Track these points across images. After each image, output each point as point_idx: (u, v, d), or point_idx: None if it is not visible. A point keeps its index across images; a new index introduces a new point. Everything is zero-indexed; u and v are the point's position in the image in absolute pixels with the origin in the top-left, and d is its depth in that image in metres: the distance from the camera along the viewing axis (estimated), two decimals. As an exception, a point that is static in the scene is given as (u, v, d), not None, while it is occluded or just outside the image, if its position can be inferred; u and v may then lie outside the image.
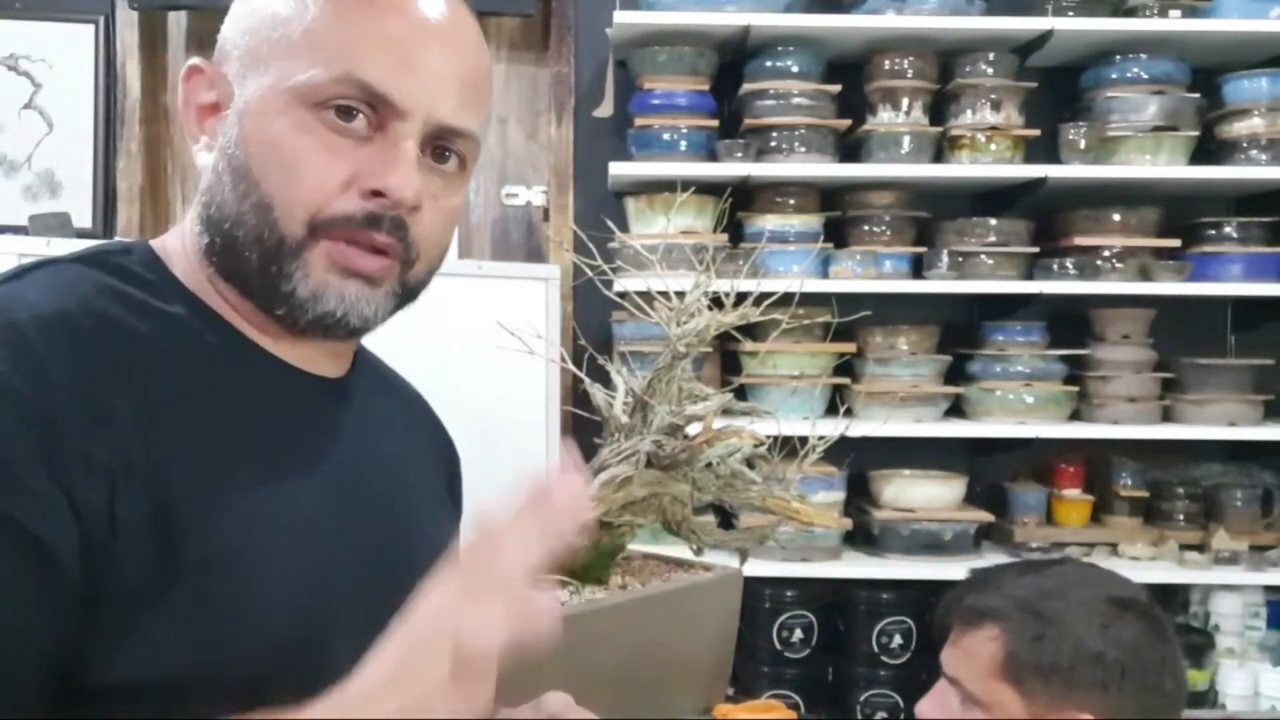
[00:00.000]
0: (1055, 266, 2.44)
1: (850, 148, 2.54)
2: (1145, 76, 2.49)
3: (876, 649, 2.39)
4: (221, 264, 0.78)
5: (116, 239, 0.84)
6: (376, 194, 0.75)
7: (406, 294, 0.81)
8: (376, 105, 0.75)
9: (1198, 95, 2.50)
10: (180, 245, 0.81)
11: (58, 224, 2.21)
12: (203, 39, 2.71)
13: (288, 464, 0.77)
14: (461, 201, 0.84)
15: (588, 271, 1.64)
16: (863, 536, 2.51)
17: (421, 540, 0.87)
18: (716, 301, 1.63)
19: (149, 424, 0.69)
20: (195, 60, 0.80)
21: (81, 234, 2.29)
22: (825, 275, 2.43)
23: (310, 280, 0.75)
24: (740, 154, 2.41)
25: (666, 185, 2.42)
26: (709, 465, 1.60)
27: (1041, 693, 1.14)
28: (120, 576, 0.65)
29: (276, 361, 0.80)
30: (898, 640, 2.40)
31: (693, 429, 1.62)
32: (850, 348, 2.48)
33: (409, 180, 0.75)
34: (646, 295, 1.64)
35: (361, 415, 0.86)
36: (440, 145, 0.79)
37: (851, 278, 2.42)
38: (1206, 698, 2.36)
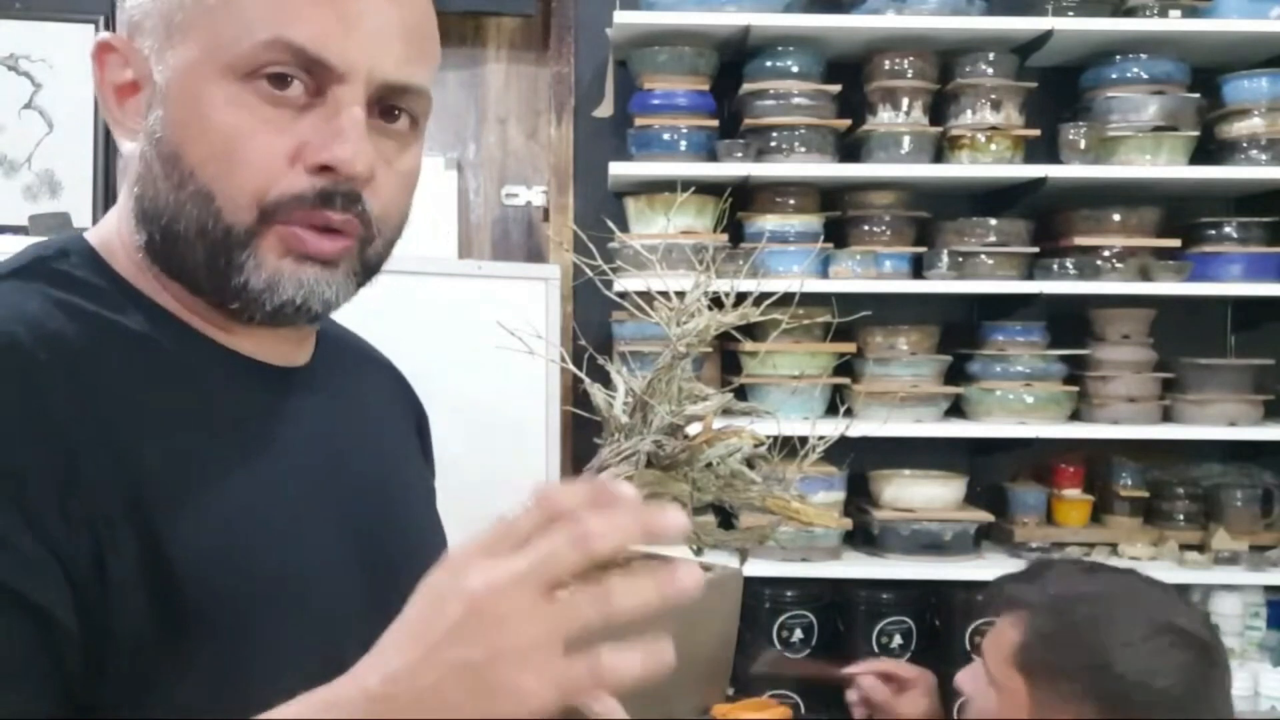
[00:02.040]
0: (1055, 266, 2.43)
1: (850, 148, 2.54)
2: (1145, 76, 2.49)
3: (876, 649, 2.39)
4: (164, 261, 0.71)
5: (51, 238, 0.79)
6: (325, 168, 0.68)
7: (367, 271, 0.75)
8: (312, 70, 0.67)
9: (1198, 95, 2.50)
10: (117, 239, 0.74)
11: (58, 224, 2.21)
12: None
13: (270, 469, 0.73)
14: (418, 162, 0.76)
15: (588, 271, 1.64)
16: (863, 536, 2.51)
17: (410, 520, 0.85)
18: (716, 301, 1.63)
19: (121, 460, 0.64)
20: (105, 36, 0.73)
21: (81, 234, 2.29)
22: (825, 275, 2.43)
23: (264, 270, 0.69)
24: (740, 154, 2.41)
25: (666, 185, 2.42)
26: (709, 465, 1.60)
27: (1046, 689, 1.15)
28: (120, 625, 0.62)
29: (238, 358, 0.74)
30: (898, 640, 2.39)
31: (693, 429, 1.62)
32: (850, 348, 2.47)
33: (359, 151, 0.68)
34: (646, 295, 1.64)
35: (334, 400, 0.81)
36: (389, 103, 0.71)
37: (851, 278, 2.42)
38: (1206, 698, 2.36)
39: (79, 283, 0.70)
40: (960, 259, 2.43)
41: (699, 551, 1.73)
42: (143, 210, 0.71)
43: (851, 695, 1.48)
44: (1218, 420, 2.46)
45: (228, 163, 0.67)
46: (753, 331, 2.03)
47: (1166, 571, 2.38)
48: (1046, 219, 2.56)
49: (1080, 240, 2.46)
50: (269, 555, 0.70)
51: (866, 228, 2.50)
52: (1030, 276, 2.46)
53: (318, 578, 0.73)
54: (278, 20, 0.66)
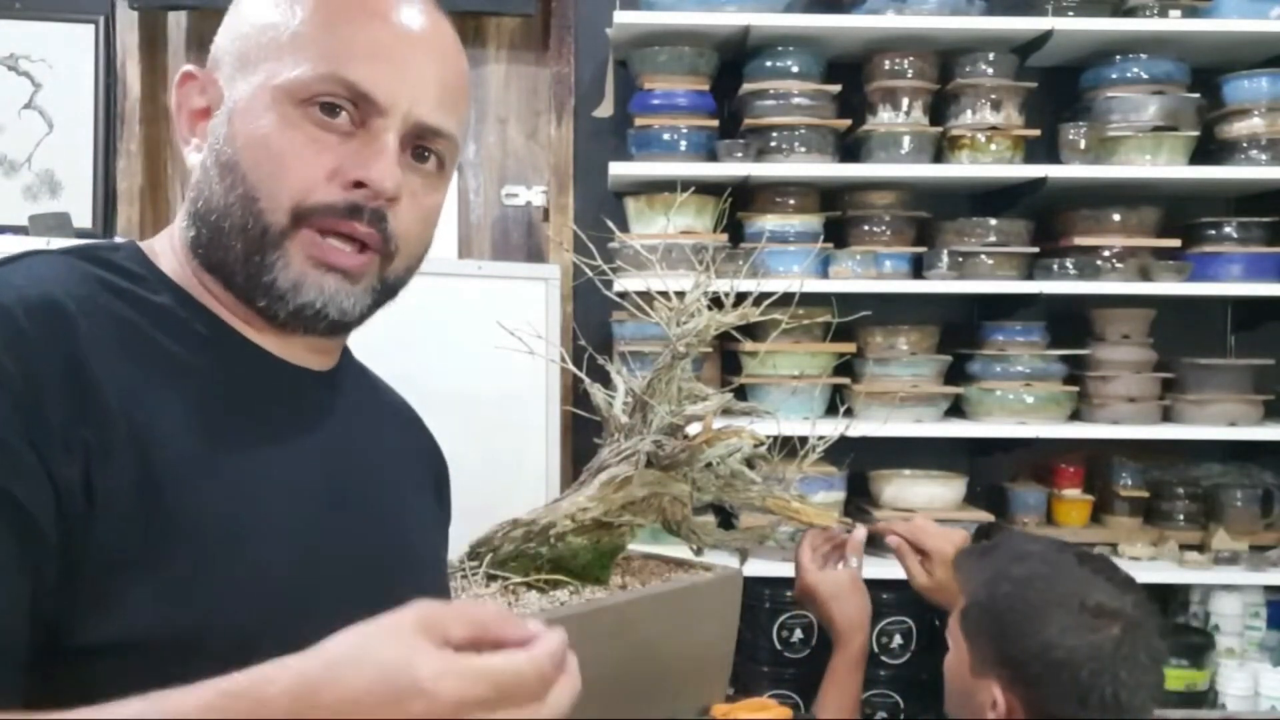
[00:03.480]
0: (1055, 266, 2.43)
1: (850, 148, 2.54)
2: (1145, 76, 2.49)
3: (876, 649, 2.39)
4: (206, 256, 0.81)
5: (108, 239, 0.86)
6: (358, 185, 0.78)
7: (386, 290, 0.84)
8: (359, 102, 0.79)
9: (1198, 95, 2.50)
10: (169, 244, 0.84)
11: (58, 224, 2.22)
12: (203, 39, 2.71)
13: (273, 444, 0.80)
14: (441, 201, 0.86)
15: (588, 271, 1.65)
16: (863, 536, 2.51)
17: (403, 526, 0.90)
18: (716, 301, 1.63)
19: (133, 401, 0.72)
20: (188, 67, 0.85)
21: (81, 234, 2.29)
22: (825, 275, 2.43)
23: (290, 271, 0.78)
24: (740, 154, 2.41)
25: (666, 185, 2.42)
26: (709, 465, 1.61)
27: (975, 651, 1.29)
28: (99, 545, 0.68)
29: (262, 352, 0.83)
30: (897, 640, 2.39)
31: (693, 429, 1.63)
32: (850, 348, 2.48)
33: (390, 172, 0.79)
34: (646, 295, 1.64)
35: (346, 406, 0.88)
36: (420, 145, 0.83)
37: (851, 278, 2.42)
38: (1206, 698, 2.36)
39: (121, 269, 0.79)
40: (960, 259, 2.44)
41: (699, 551, 1.73)
42: (196, 211, 0.81)
43: (891, 540, 1.74)
44: (1218, 420, 2.46)
45: (275, 170, 0.78)
46: (753, 331, 2.04)
47: (1166, 571, 2.38)
48: (1046, 219, 2.56)
49: (1080, 240, 2.46)
50: (261, 511, 0.76)
51: (866, 228, 2.50)
52: (1030, 276, 2.46)
53: (303, 547, 0.78)
54: (336, 59, 0.79)
